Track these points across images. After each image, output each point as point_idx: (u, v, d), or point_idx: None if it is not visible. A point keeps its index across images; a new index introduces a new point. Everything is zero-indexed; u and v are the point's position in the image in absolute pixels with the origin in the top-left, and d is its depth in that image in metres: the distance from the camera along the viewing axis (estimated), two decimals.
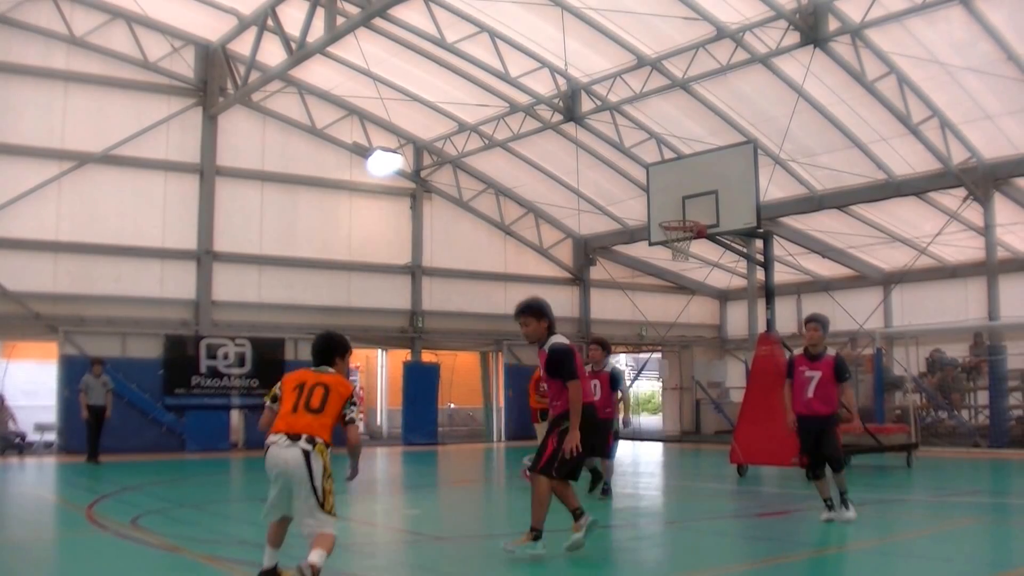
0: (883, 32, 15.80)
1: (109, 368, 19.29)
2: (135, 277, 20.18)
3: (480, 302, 25.08)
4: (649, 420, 33.78)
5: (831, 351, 9.19)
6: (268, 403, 6.05)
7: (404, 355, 24.28)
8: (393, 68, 20.14)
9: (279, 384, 6.07)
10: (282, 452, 5.72)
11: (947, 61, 16.01)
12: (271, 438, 5.84)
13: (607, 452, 11.25)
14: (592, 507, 8.74)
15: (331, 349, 6.21)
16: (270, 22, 17.81)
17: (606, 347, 11.49)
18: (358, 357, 25.16)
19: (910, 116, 17.50)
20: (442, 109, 21.78)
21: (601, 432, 11.30)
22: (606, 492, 11.25)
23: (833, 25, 15.73)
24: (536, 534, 7.08)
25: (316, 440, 5.72)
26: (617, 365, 12.07)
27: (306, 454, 5.68)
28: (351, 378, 5.82)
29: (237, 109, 21.25)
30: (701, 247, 20.13)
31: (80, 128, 19.70)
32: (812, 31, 15.69)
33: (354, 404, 6.02)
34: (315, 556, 5.62)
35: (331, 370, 6.13)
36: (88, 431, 16.66)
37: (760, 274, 16.78)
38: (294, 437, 5.72)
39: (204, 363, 20.27)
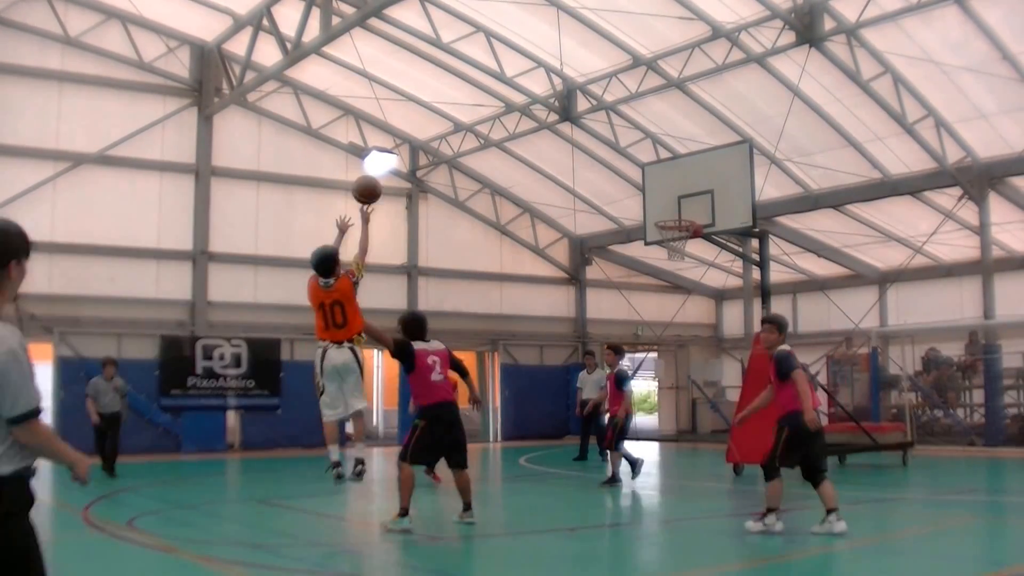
0: (878, 31, 15.82)
1: None
2: (131, 278, 20.14)
3: (476, 302, 25.08)
4: (645, 419, 33.78)
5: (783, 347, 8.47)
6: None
7: None
8: (389, 68, 20.13)
9: (308, 289, 8.37)
10: (336, 354, 8.10)
11: (942, 60, 16.03)
12: (320, 343, 8.20)
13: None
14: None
15: (331, 262, 8.32)
16: (265, 22, 17.79)
17: (618, 351, 13.10)
18: None
19: (905, 115, 17.53)
20: (438, 109, 21.77)
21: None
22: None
23: (828, 25, 15.75)
24: (403, 511, 8.22)
25: (353, 340, 8.15)
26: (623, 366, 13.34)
27: (353, 351, 8.13)
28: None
29: (233, 109, 21.22)
30: (697, 247, 20.14)
31: (75, 129, 19.65)
32: (807, 31, 15.71)
33: (356, 283, 8.27)
34: (359, 452, 8.27)
35: (332, 281, 8.22)
36: (96, 438, 14.54)
37: (756, 273, 16.76)
38: (339, 343, 8.11)
39: (200, 364, 20.23)
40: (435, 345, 8.56)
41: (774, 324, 8.61)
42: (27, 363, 3.31)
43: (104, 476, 14.14)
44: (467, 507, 8.57)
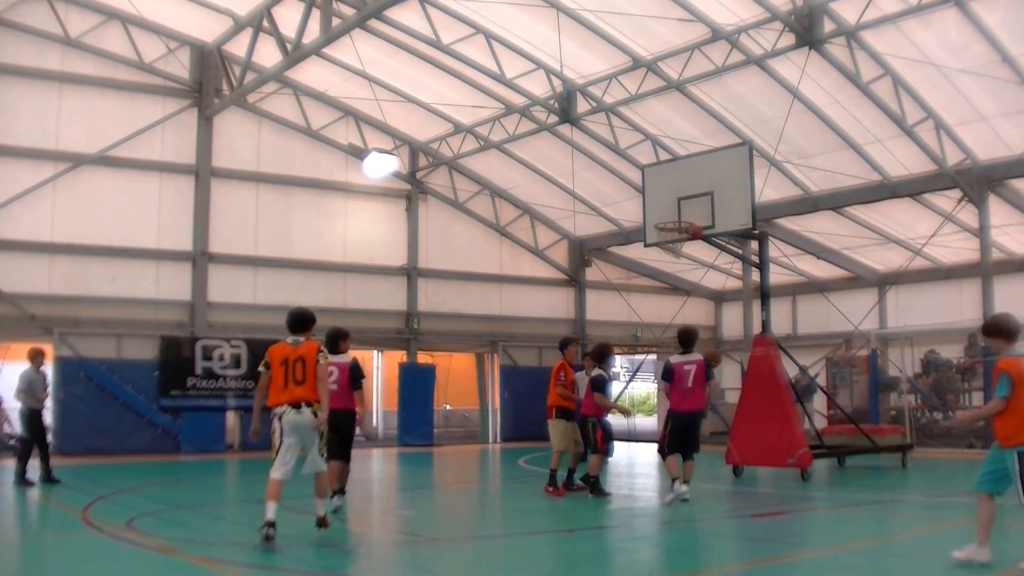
0: (878, 34, 15.83)
1: (104, 369, 19.32)
2: (130, 278, 20.14)
3: (476, 303, 25.08)
4: (645, 421, 33.77)
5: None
6: (262, 369, 8.07)
7: (400, 356, 24.27)
8: (388, 69, 20.14)
9: (267, 355, 8.09)
10: (295, 417, 7.79)
11: (942, 63, 16.05)
12: (278, 409, 7.83)
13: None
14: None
15: (303, 322, 8.28)
16: (265, 23, 17.81)
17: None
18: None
19: (905, 118, 17.54)
20: (437, 111, 21.78)
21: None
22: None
23: (828, 27, 15.76)
24: (339, 490, 9.69)
25: (312, 403, 7.85)
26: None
27: (314, 415, 7.82)
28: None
29: (232, 110, 21.23)
30: (696, 248, 20.15)
31: (75, 129, 19.66)
32: (807, 33, 15.72)
33: (322, 351, 8.08)
34: (321, 509, 8.06)
35: (302, 339, 8.12)
36: (28, 439, 13.07)
37: (755, 275, 16.78)
38: (295, 405, 7.81)
39: (199, 364, 20.23)
40: (343, 358, 9.83)
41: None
42: None
43: (47, 485, 12.82)
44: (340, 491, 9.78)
